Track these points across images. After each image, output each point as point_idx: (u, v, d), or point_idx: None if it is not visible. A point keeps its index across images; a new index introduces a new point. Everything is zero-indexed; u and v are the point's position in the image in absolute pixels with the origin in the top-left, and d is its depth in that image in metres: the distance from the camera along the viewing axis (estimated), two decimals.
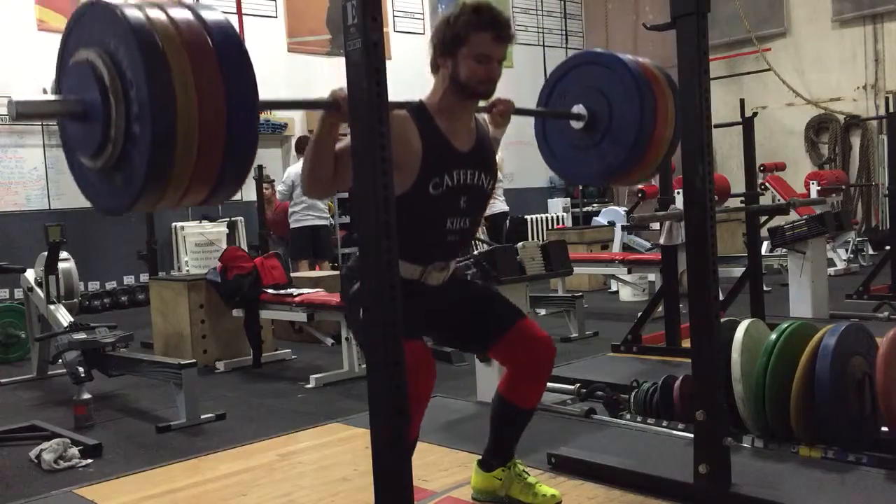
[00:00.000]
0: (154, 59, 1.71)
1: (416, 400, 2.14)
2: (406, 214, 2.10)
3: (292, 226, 7.97)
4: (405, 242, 2.03)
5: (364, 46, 1.77)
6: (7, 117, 8.55)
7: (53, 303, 5.10)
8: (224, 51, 1.80)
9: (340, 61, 1.86)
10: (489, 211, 9.57)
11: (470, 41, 2.32)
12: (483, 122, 2.59)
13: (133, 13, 1.76)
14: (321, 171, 2.23)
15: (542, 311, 6.92)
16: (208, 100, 1.75)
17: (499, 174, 10.54)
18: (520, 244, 4.23)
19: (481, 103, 2.50)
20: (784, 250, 6.44)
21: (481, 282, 3.87)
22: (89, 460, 3.58)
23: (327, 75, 10.23)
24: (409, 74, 10.29)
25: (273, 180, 8.61)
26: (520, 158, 11.53)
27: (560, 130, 3.03)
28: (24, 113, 1.81)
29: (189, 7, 1.85)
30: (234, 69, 1.80)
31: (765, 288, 5.92)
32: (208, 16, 1.84)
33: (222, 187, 1.89)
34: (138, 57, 1.71)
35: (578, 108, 2.91)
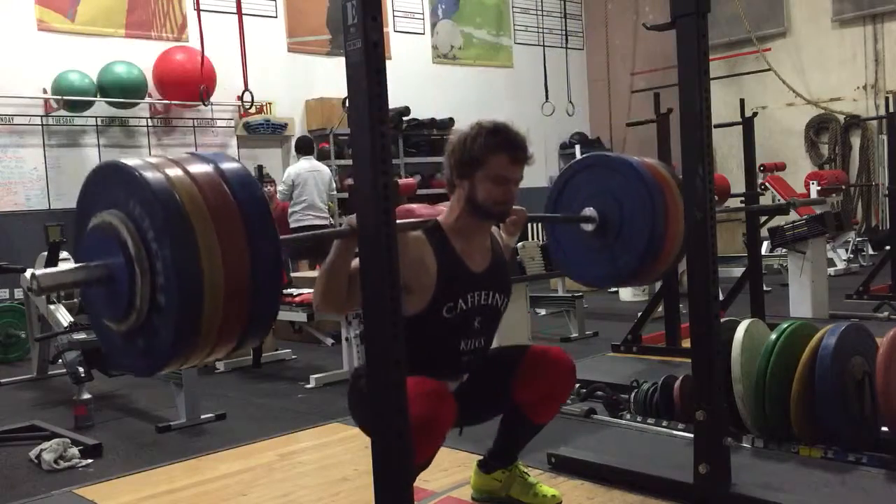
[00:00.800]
0: (179, 229, 1.66)
1: (426, 427, 2.09)
2: (418, 335, 2.09)
3: (292, 225, 7.96)
4: (417, 361, 2.04)
5: (364, 46, 1.77)
6: (7, 117, 8.56)
7: (53, 303, 5.10)
8: (247, 208, 1.74)
9: (340, 61, 1.87)
10: None
11: (487, 163, 2.32)
12: (497, 235, 2.58)
13: (154, 177, 1.70)
14: (335, 292, 2.19)
15: (542, 311, 6.92)
16: (234, 265, 1.71)
17: None
18: (520, 244, 4.24)
19: None
20: (784, 250, 6.45)
21: None
22: (89, 460, 3.57)
23: (327, 75, 10.22)
24: (409, 74, 10.32)
25: (273, 179, 8.61)
26: None
27: (571, 232, 3.04)
28: (47, 286, 1.77)
29: (209, 160, 1.80)
30: (257, 227, 1.75)
31: (765, 288, 5.92)
32: (227, 167, 1.79)
33: (245, 343, 1.86)
34: (163, 227, 1.66)
35: (589, 211, 2.91)
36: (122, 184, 1.76)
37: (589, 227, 2.91)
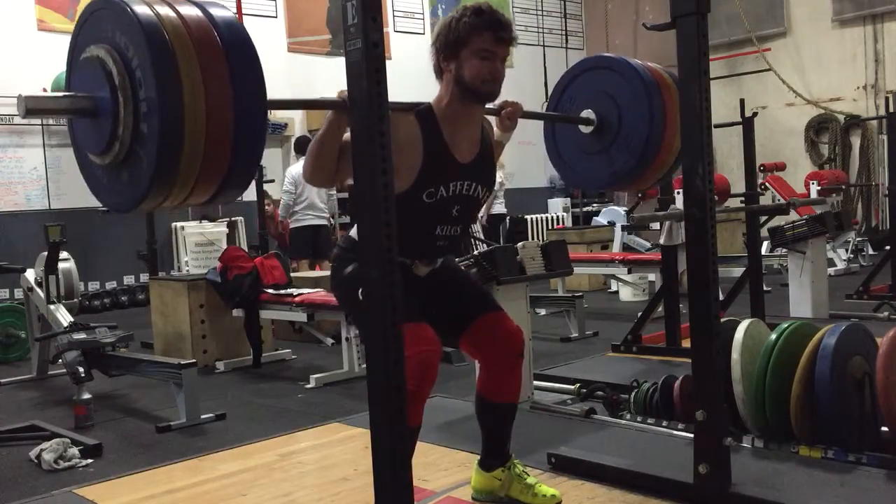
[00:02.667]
0: (163, 60, 1.71)
1: (417, 381, 2.17)
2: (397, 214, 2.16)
3: (292, 225, 7.96)
4: None
5: (364, 46, 1.77)
6: (7, 117, 8.56)
7: (53, 303, 5.10)
8: (233, 50, 1.80)
9: (340, 61, 1.87)
10: (489, 211, 9.54)
11: (471, 41, 2.33)
12: (488, 129, 2.59)
13: (143, 11, 1.76)
14: (325, 164, 2.27)
15: (542, 311, 6.92)
16: (216, 101, 1.76)
17: (500, 176, 10.56)
18: (520, 244, 4.22)
19: (490, 106, 2.50)
20: (784, 250, 6.44)
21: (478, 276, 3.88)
22: (89, 460, 3.57)
23: (327, 75, 10.22)
24: (409, 74, 10.31)
25: (274, 201, 8.60)
26: (520, 158, 11.52)
27: (569, 136, 3.04)
28: (33, 109, 1.82)
29: (198, 4, 1.85)
30: (242, 69, 1.80)
31: (765, 288, 5.92)
32: (217, 13, 1.84)
33: (227, 189, 1.90)
34: (147, 56, 1.72)
35: (587, 113, 2.91)
36: (111, 18, 1.82)
37: (587, 129, 2.91)
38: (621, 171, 2.90)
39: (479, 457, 2.76)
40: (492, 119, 2.61)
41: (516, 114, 2.58)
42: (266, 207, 7.23)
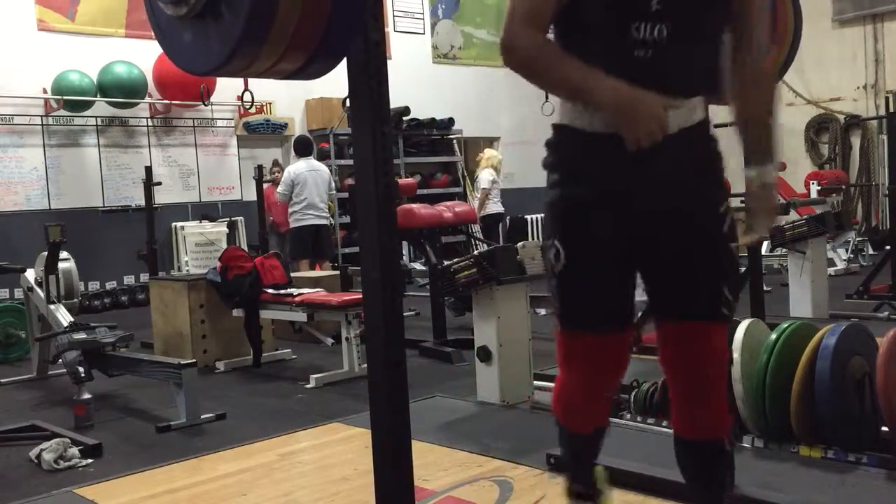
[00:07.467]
0: None
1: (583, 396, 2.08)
2: (574, 27, 1.67)
3: (292, 225, 7.97)
4: None
5: (364, 46, 1.77)
6: (7, 117, 8.56)
7: (53, 303, 5.10)
8: None
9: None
10: (484, 212, 9.49)
11: None
12: None
13: None
14: (538, 77, 1.74)
15: (542, 311, 6.91)
16: None
17: (491, 174, 10.50)
18: (520, 244, 4.22)
19: None
20: (784, 250, 6.45)
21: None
22: (89, 460, 3.57)
23: (327, 75, 10.22)
24: (409, 74, 10.32)
25: (281, 166, 8.65)
26: (520, 158, 11.51)
27: None
28: None
29: None
30: None
31: (765, 288, 5.91)
32: None
33: (319, 57, 1.67)
34: None
35: None
36: None
37: None
38: None
39: (478, 456, 2.75)
40: None
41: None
42: (275, 174, 7.15)
